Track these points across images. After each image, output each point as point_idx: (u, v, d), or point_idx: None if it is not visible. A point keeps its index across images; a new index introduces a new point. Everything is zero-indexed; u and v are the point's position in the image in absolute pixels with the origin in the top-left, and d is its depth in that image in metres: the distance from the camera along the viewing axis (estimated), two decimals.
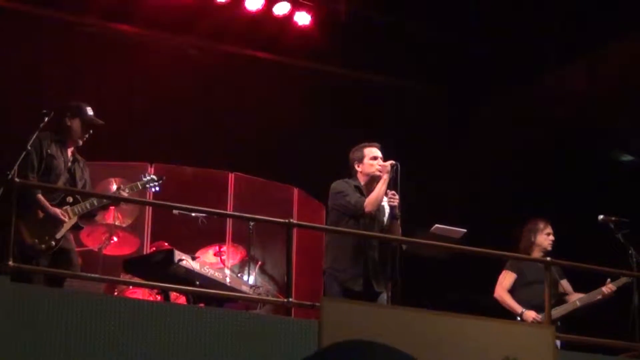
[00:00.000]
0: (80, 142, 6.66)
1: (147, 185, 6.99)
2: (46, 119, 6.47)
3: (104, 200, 6.67)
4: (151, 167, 8.77)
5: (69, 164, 6.57)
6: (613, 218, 7.68)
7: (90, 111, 6.71)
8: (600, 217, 7.69)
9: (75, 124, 6.62)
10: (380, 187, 6.71)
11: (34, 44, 9.69)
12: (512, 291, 7.61)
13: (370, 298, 6.59)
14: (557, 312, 7.43)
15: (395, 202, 6.74)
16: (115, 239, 8.09)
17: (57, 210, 6.30)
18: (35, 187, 6.34)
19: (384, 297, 6.71)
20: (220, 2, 9.99)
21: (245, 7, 10.08)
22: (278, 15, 10.24)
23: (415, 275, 7.41)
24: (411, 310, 6.02)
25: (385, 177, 6.72)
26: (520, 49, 10.53)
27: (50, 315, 5.11)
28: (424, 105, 11.21)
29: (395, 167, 6.73)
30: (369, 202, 6.69)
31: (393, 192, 6.75)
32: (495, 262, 8.39)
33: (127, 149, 9.60)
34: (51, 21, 9.78)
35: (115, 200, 7.06)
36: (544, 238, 7.73)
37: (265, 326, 5.61)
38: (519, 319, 7.43)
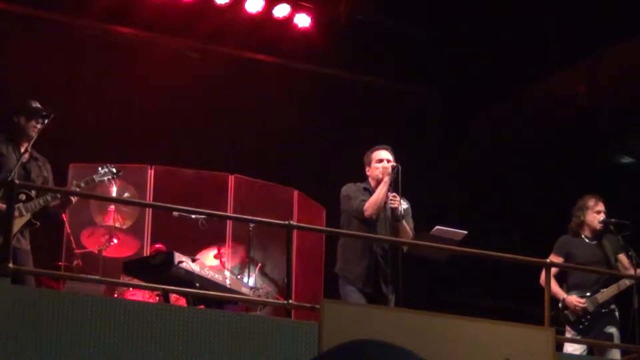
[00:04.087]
0: (34, 135, 6.55)
1: (105, 178, 6.89)
2: (46, 120, 6.47)
3: (58, 197, 6.48)
4: (151, 169, 8.77)
5: (24, 161, 6.47)
6: (613, 220, 7.66)
7: (35, 104, 6.66)
8: (601, 219, 7.66)
9: (22, 120, 6.58)
10: (380, 190, 6.74)
11: (34, 46, 9.70)
12: (562, 274, 7.47)
13: (379, 300, 6.61)
14: (605, 294, 7.36)
15: (396, 204, 6.75)
16: (115, 240, 8.08)
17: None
18: (35, 188, 6.33)
19: (390, 299, 6.73)
20: (220, 4, 9.99)
21: (245, 10, 10.08)
22: (278, 17, 10.25)
23: (416, 277, 7.41)
24: (411, 311, 6.02)
25: (385, 180, 6.74)
26: (521, 50, 10.54)
27: (50, 317, 5.11)
28: (424, 106, 11.23)
29: (396, 170, 6.75)
30: (368, 205, 6.71)
31: (394, 194, 6.76)
32: (496, 264, 8.40)
33: (127, 151, 9.61)
34: (51, 23, 9.79)
35: (84, 196, 6.86)
36: (594, 217, 7.61)
37: (265, 328, 5.60)
38: (560, 305, 7.37)
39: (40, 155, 6.67)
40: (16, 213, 6.16)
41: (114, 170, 6.90)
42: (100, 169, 6.86)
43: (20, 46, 9.63)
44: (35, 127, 6.56)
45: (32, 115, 6.58)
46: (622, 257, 7.59)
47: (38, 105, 6.66)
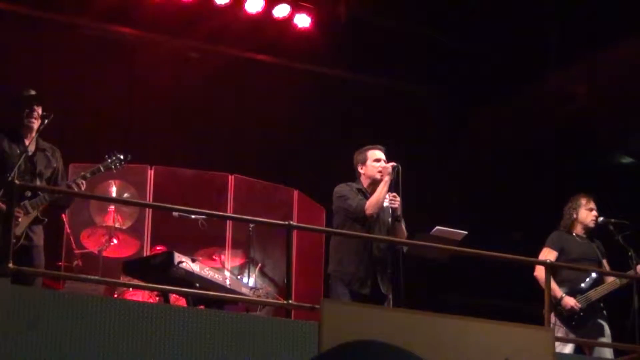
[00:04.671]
0: (32, 124, 6.40)
1: (112, 166, 6.63)
2: (46, 121, 6.43)
3: (74, 186, 6.29)
4: (151, 169, 8.78)
5: (29, 154, 6.34)
6: (613, 220, 7.66)
7: (26, 92, 6.50)
8: (600, 219, 7.66)
9: (16, 111, 6.44)
10: (381, 189, 6.72)
11: (34, 46, 9.70)
12: (554, 269, 7.47)
13: (376, 301, 6.60)
14: (598, 292, 7.37)
15: (396, 204, 6.75)
16: (115, 241, 8.09)
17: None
18: (34, 188, 6.28)
19: (386, 300, 6.71)
20: (220, 4, 9.99)
21: (245, 10, 10.09)
22: (278, 17, 10.25)
23: (416, 277, 7.41)
24: (411, 312, 6.01)
25: (386, 179, 6.72)
26: (521, 50, 10.54)
27: (50, 317, 5.11)
28: (424, 106, 11.22)
29: (396, 169, 6.74)
30: (369, 204, 6.70)
31: (394, 194, 6.75)
32: (496, 264, 8.39)
33: (127, 151, 9.59)
34: (51, 23, 9.79)
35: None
36: (587, 214, 7.61)
37: (265, 328, 5.60)
38: (554, 301, 7.35)
39: (48, 144, 6.54)
40: (21, 211, 6.13)
41: (122, 157, 6.66)
42: (107, 156, 6.63)
43: (20, 46, 9.63)
44: (30, 116, 6.40)
45: (23, 104, 6.44)
46: (605, 262, 7.62)
47: (30, 92, 6.52)
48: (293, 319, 6.32)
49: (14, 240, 6.00)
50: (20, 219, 6.11)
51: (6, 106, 6.71)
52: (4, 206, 5.90)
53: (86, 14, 9.81)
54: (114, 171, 6.75)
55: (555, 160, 10.76)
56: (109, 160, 6.62)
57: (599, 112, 10.53)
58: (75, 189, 6.34)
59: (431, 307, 6.40)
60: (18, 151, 6.30)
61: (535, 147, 10.77)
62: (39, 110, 6.46)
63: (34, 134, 6.44)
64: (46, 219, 6.37)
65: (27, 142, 6.39)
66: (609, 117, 10.55)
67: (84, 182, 6.40)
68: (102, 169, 6.58)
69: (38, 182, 6.34)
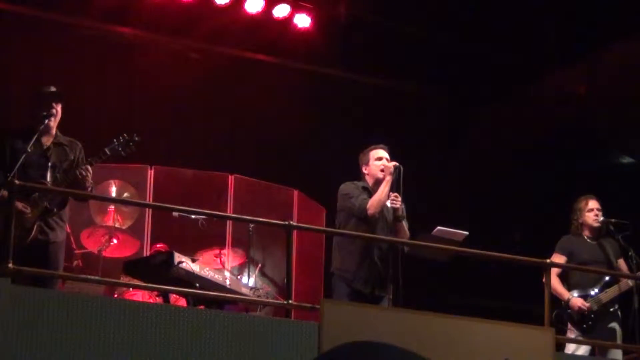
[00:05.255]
0: (48, 121, 6.33)
1: (120, 148, 6.46)
2: (46, 121, 6.42)
3: (78, 174, 6.19)
4: (151, 169, 8.78)
5: (44, 149, 6.30)
6: (613, 220, 7.67)
7: (44, 88, 6.49)
8: (601, 219, 7.67)
9: (32, 108, 6.42)
10: (383, 189, 6.73)
11: (34, 46, 9.69)
12: (565, 273, 7.48)
13: (377, 300, 6.61)
14: (609, 294, 7.37)
15: (398, 204, 6.76)
16: (115, 241, 8.09)
17: (18, 204, 5.89)
18: (32, 187, 6.25)
19: (386, 299, 6.72)
20: (220, 4, 9.99)
21: (245, 10, 10.09)
22: (278, 17, 10.25)
23: (417, 277, 7.41)
24: (412, 312, 6.02)
25: (388, 179, 6.73)
26: (521, 50, 10.54)
27: (50, 317, 5.11)
28: (424, 106, 11.22)
29: (398, 169, 6.75)
30: (371, 204, 6.71)
31: (396, 194, 6.76)
32: (496, 265, 8.39)
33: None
34: (51, 23, 9.78)
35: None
36: (588, 216, 7.64)
37: (265, 328, 5.60)
38: (563, 304, 7.37)
39: (68, 138, 6.49)
40: (28, 206, 6.12)
41: (128, 138, 6.51)
42: (114, 139, 6.49)
43: (20, 46, 9.62)
44: (49, 113, 6.34)
45: (38, 101, 6.42)
46: (621, 262, 7.61)
47: (50, 89, 6.49)
48: (293, 319, 6.32)
49: (25, 233, 6.01)
50: (28, 211, 6.11)
51: (25, 104, 6.69)
52: (6, 194, 5.87)
53: (86, 14, 9.81)
54: (123, 154, 6.57)
55: (555, 160, 10.76)
56: (116, 143, 6.48)
57: (599, 112, 10.53)
58: (83, 174, 6.23)
59: (431, 307, 6.40)
60: (30, 148, 6.21)
61: (535, 147, 10.76)
62: (58, 107, 6.44)
63: (52, 130, 6.42)
64: (55, 209, 6.28)
65: (43, 138, 6.36)
66: (609, 117, 10.55)
67: (89, 167, 6.29)
68: (107, 152, 6.43)
69: (49, 176, 6.30)
